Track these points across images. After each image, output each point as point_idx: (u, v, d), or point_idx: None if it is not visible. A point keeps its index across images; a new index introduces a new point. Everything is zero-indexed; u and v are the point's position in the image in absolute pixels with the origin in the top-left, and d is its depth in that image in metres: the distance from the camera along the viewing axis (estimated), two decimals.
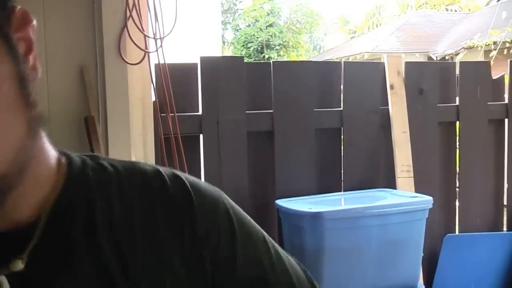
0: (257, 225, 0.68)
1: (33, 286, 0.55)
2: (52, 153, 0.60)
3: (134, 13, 1.82)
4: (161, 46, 1.96)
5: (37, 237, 0.55)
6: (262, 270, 0.64)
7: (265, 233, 0.68)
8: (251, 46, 20.64)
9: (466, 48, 10.19)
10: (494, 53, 7.11)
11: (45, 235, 0.56)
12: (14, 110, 0.50)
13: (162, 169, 0.65)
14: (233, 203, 0.68)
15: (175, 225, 0.61)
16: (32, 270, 0.54)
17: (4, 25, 0.52)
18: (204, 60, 2.34)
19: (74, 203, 0.59)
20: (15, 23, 0.53)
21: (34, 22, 0.55)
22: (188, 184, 0.64)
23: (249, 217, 0.68)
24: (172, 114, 2.11)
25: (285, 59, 18.91)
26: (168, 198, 0.62)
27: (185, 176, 0.65)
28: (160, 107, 2.12)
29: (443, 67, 2.87)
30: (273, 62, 2.53)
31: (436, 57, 11.40)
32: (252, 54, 20.14)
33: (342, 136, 2.59)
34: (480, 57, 8.87)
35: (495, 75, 2.87)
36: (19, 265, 0.54)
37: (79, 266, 0.56)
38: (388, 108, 2.59)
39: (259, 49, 20.64)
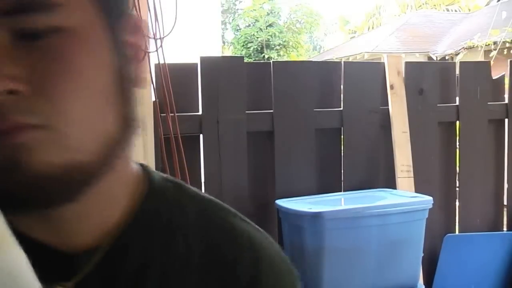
0: None
1: None
2: (132, 169, 0.57)
3: (134, 13, 1.82)
4: (161, 46, 1.96)
5: (89, 269, 0.52)
6: None
7: None
8: (251, 46, 20.65)
9: (466, 48, 10.20)
10: (494, 53, 7.11)
11: (96, 270, 0.52)
12: (108, 103, 0.49)
13: (240, 232, 0.57)
14: None
15: None
16: None
17: (115, 20, 0.51)
18: (204, 60, 2.34)
19: (136, 244, 0.54)
20: (127, 26, 0.53)
21: (147, 36, 0.56)
22: (263, 271, 0.56)
23: None
24: (172, 114, 2.11)
25: (285, 59, 18.91)
26: (234, 278, 0.55)
27: (266, 256, 0.57)
28: (160, 107, 2.12)
29: (443, 67, 2.87)
30: (273, 62, 2.53)
31: (436, 57, 11.40)
32: (252, 54, 20.15)
33: (342, 136, 2.59)
34: (480, 57, 8.87)
35: (495, 75, 2.87)
36: None
37: None
38: (388, 108, 2.59)
39: (259, 49, 20.65)
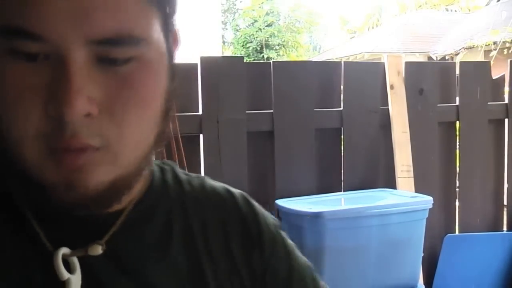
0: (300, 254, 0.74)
1: (105, 273, 0.55)
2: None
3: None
4: None
5: (118, 226, 0.57)
6: None
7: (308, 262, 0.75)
8: (250, 46, 20.64)
9: (466, 48, 10.20)
10: (494, 53, 7.11)
11: (124, 227, 0.57)
12: (157, 124, 0.54)
13: (229, 187, 0.71)
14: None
15: (247, 245, 0.65)
16: (109, 257, 0.55)
17: (171, 44, 0.55)
18: (204, 60, 2.34)
19: (154, 208, 0.61)
20: (173, 42, 0.57)
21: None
22: (255, 207, 0.69)
23: (293, 243, 0.72)
24: (172, 114, 2.11)
25: (284, 59, 18.91)
26: (241, 219, 0.67)
27: (248, 197, 0.71)
28: None
29: (443, 67, 2.87)
30: (273, 62, 2.53)
31: (436, 57, 11.40)
32: (251, 54, 20.14)
33: (342, 136, 2.59)
34: (480, 57, 8.87)
35: (495, 75, 2.87)
36: (98, 250, 0.54)
37: (156, 262, 0.58)
38: (388, 108, 2.59)
39: (258, 49, 20.64)
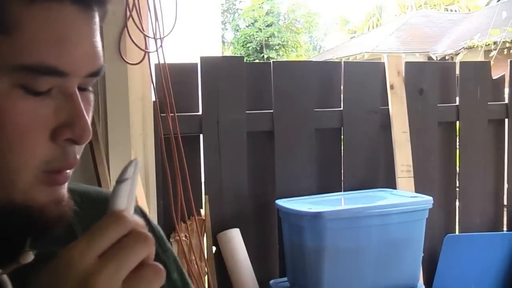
0: None
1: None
2: None
3: (134, 13, 1.82)
4: (161, 46, 1.96)
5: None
6: None
7: None
8: (250, 46, 20.64)
9: (466, 48, 10.20)
10: (494, 53, 7.11)
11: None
12: None
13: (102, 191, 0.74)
14: None
15: None
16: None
17: None
18: (204, 60, 2.34)
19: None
20: None
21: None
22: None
23: None
24: (172, 114, 2.11)
25: (284, 59, 18.90)
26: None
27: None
28: (160, 107, 2.12)
29: (443, 67, 2.87)
30: (273, 62, 2.53)
31: (436, 57, 11.40)
32: (251, 54, 20.14)
33: (342, 136, 2.59)
34: (480, 57, 8.87)
35: (495, 75, 2.87)
36: (30, 257, 0.55)
37: None
38: (388, 108, 2.59)
39: (258, 49, 20.64)
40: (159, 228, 0.74)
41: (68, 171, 0.54)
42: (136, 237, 0.44)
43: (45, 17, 0.49)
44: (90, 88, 0.56)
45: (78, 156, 0.55)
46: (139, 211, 0.71)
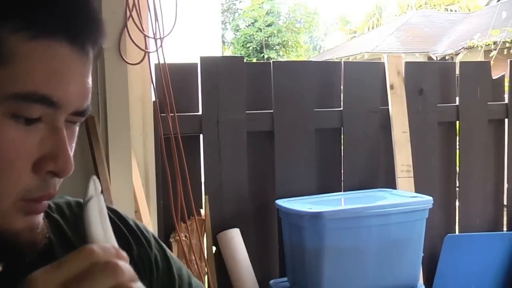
0: None
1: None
2: None
3: (134, 13, 1.82)
4: (161, 46, 1.96)
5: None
6: None
7: None
8: (250, 46, 20.63)
9: (466, 48, 10.19)
10: (494, 53, 7.10)
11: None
12: None
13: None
14: None
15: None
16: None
17: None
18: (204, 60, 2.34)
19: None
20: None
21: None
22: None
23: None
24: (172, 114, 2.11)
25: (284, 59, 18.90)
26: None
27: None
28: (160, 107, 2.12)
29: (443, 67, 2.87)
30: (273, 62, 2.53)
31: (436, 57, 11.40)
32: (251, 54, 20.13)
33: (342, 136, 2.59)
34: (480, 57, 8.87)
35: (495, 75, 2.87)
36: None
37: None
38: (388, 108, 2.59)
39: (258, 49, 20.63)
40: (139, 223, 0.75)
41: (45, 201, 0.56)
42: (103, 268, 0.45)
43: (43, 52, 0.52)
44: (77, 123, 0.58)
45: (57, 187, 0.57)
46: (114, 211, 0.73)
